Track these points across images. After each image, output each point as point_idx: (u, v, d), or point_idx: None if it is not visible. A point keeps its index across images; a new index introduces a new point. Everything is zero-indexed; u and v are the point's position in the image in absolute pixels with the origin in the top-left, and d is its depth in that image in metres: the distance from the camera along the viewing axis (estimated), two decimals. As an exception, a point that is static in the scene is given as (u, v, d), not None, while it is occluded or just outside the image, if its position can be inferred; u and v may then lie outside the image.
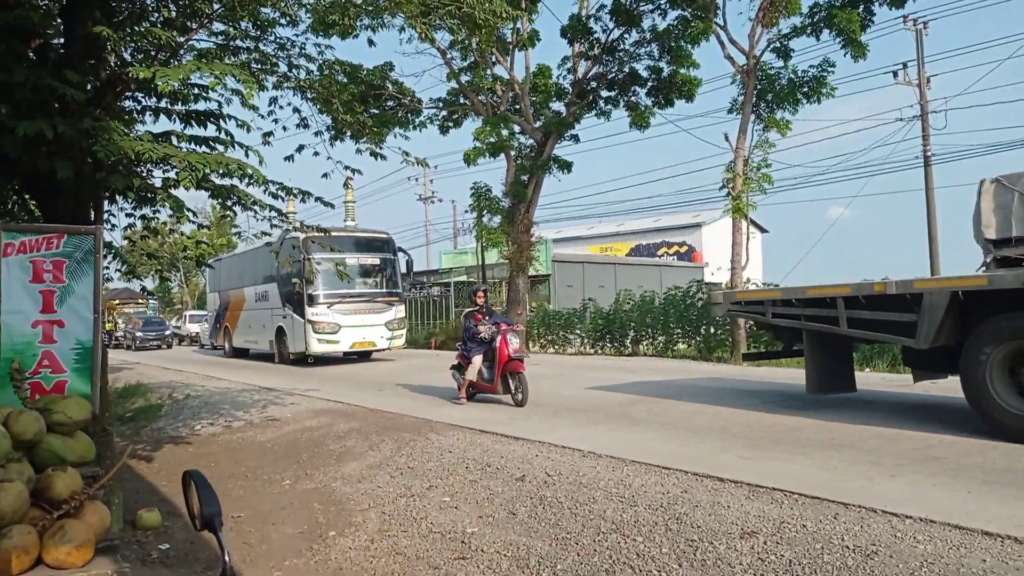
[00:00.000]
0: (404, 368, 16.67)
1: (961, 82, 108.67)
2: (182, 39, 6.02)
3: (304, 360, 18.12)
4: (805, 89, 15.65)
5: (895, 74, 23.11)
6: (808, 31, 15.38)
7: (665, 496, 5.19)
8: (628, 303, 19.52)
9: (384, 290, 18.84)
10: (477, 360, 9.84)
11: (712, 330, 17.17)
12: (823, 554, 3.96)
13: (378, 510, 5.47)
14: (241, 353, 22.74)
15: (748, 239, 16.59)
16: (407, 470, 6.57)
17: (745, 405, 8.95)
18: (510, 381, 9.59)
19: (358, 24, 10.95)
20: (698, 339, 17.54)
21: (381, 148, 7.99)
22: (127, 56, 6.33)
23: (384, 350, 19.14)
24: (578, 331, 20.91)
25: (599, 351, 19.82)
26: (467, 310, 10.26)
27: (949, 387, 9.63)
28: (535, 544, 4.48)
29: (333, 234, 17.62)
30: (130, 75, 5.59)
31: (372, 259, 18.83)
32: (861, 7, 14.85)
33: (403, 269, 19.92)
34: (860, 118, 36.64)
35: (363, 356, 19.47)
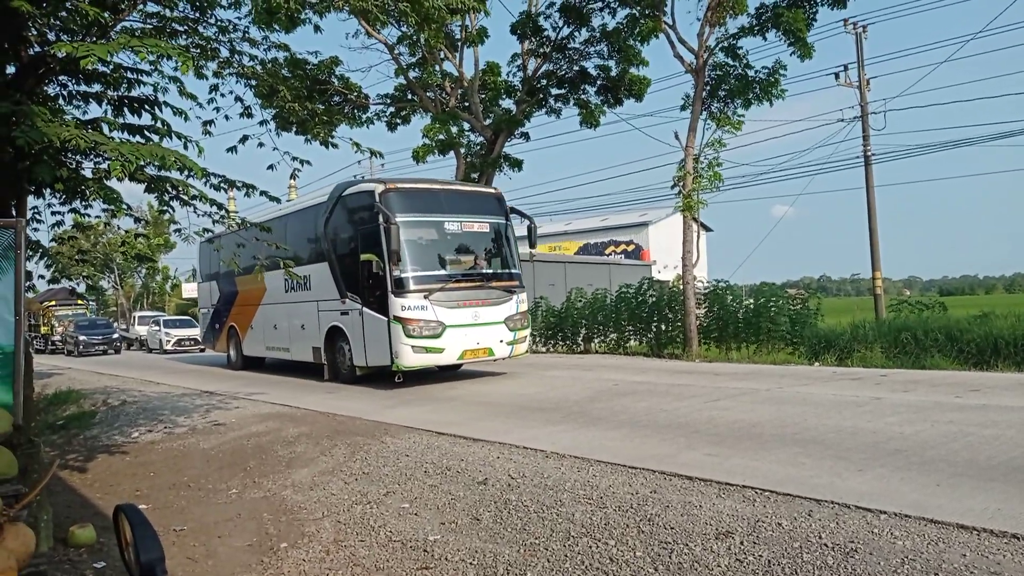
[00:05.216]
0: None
1: (899, 84, 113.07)
2: (112, 19, 5.56)
3: (379, 376, 12.41)
4: (756, 89, 15.79)
5: (836, 76, 23.60)
6: (756, 31, 15.51)
7: (634, 497, 5.02)
8: (580, 301, 19.45)
9: (500, 271, 12.97)
10: None
11: (664, 327, 17.20)
12: (802, 553, 3.83)
13: (332, 519, 5.16)
14: (254, 363, 17.43)
15: (698, 237, 16.63)
16: (362, 476, 6.27)
17: (703, 401, 8.89)
18: None
19: (303, 14, 10.54)
20: (650, 336, 17.56)
21: (333, 138, 7.60)
22: (52, 37, 5.84)
23: (502, 360, 12.93)
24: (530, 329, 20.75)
25: (551, 349, 19.71)
26: None
27: (885, 382, 9.78)
28: (502, 551, 4.25)
29: (421, 186, 12.67)
30: (52, 53, 5.14)
31: (480, 224, 12.81)
32: (806, 6, 15.05)
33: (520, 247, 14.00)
34: (804, 118, 37.56)
35: (446, 369, 13.61)
